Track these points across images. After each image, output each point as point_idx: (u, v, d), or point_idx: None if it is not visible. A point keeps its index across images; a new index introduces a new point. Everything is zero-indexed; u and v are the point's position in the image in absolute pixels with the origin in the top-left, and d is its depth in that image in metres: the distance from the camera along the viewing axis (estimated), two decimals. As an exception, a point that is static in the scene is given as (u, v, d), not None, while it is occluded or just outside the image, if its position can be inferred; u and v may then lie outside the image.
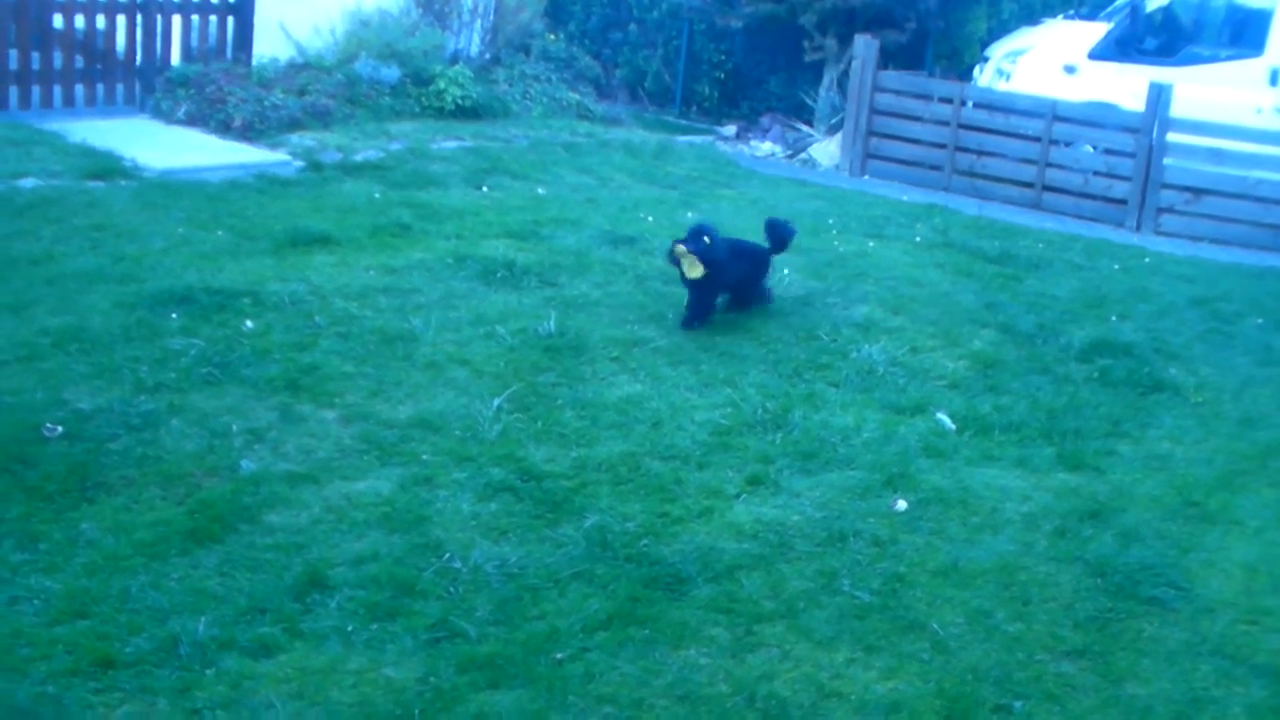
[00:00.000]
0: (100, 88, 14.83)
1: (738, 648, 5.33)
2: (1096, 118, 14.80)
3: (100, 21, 14.67)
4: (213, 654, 5.11)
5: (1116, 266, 12.00)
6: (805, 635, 5.44)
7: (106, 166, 11.92)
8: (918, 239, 12.25)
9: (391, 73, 15.77)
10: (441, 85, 15.91)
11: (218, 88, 14.58)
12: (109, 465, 6.48)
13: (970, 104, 15.45)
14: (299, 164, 12.92)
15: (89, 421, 6.86)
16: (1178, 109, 14.10)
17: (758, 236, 9.60)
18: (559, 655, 5.17)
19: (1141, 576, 6.07)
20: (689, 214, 12.10)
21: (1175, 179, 14.21)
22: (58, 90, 14.61)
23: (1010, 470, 7.09)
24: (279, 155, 13.28)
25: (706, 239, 8.80)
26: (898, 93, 15.83)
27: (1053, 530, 6.46)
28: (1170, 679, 5.35)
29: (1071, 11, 18.49)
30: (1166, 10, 16.66)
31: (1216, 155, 14.06)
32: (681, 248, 8.79)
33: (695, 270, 8.79)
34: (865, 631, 5.50)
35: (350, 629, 5.29)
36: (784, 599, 5.68)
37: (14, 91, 14.23)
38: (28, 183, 11.10)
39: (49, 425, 6.75)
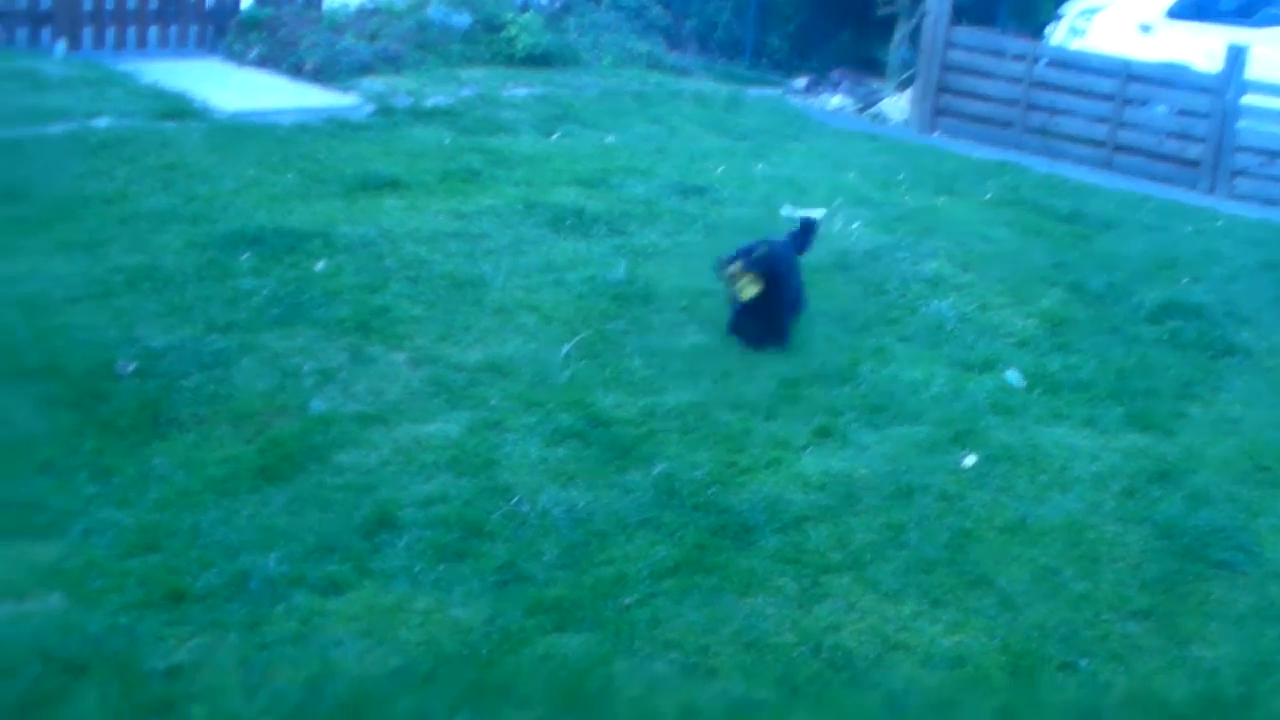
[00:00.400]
0: (173, 29, 14.92)
1: (804, 598, 5.34)
2: (1171, 78, 14.61)
3: (174, -37, 14.76)
4: (282, 590, 5.16)
5: (1189, 228, 11.87)
6: (871, 587, 5.44)
7: (178, 108, 11.97)
8: (988, 196, 12.15)
9: (462, 19, 15.75)
10: (512, 32, 15.88)
11: (289, 31, 14.62)
12: (180, 402, 6.53)
13: (1043, 62, 15.26)
14: (369, 108, 12.94)
15: (161, 359, 6.92)
16: (1255, 70, 13.90)
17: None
18: (626, 600, 5.19)
19: (1210, 539, 6.02)
20: (759, 166, 12.04)
21: (1250, 142, 14.02)
22: (131, 31, 14.71)
23: (1079, 429, 7.05)
24: (349, 99, 13.30)
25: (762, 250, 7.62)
26: (970, 49, 15.67)
27: (1121, 490, 6.41)
28: (1237, 642, 5.31)
29: (1148, -31, 18.24)
30: (1245, -30, 16.42)
31: (1294, 118, 13.88)
32: (735, 267, 7.57)
33: (749, 291, 7.54)
34: (931, 585, 5.49)
35: (418, 569, 5.32)
36: (851, 551, 5.67)
37: (88, 32, 14.34)
38: (101, 122, 11.17)
39: (122, 362, 6.81)
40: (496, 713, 4.56)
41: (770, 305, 7.63)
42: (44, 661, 4.71)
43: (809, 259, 8.23)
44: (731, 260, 7.59)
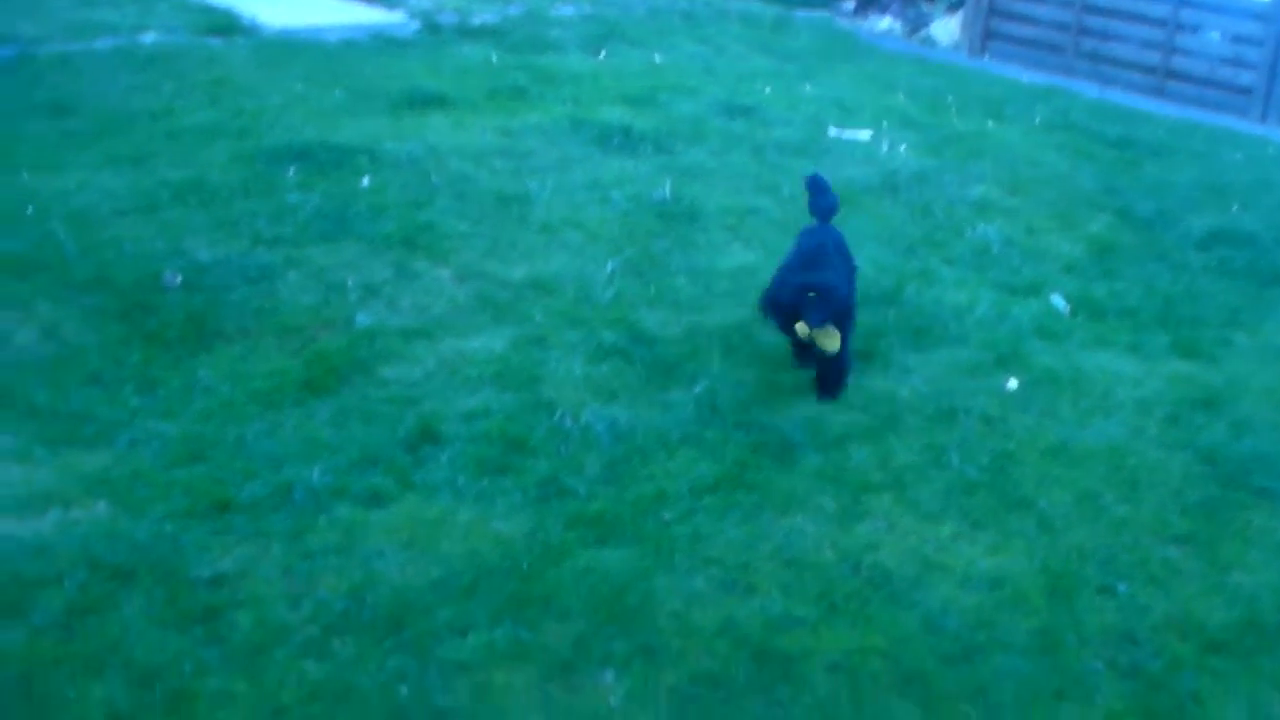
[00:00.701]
0: (220, -56, 14.88)
1: (844, 517, 5.35)
2: (1225, 3, 14.41)
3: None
4: (326, 501, 5.21)
5: (1240, 156, 11.73)
6: (912, 508, 5.45)
7: (225, 23, 11.98)
8: (1037, 120, 12.03)
9: (510, -64, 15.66)
10: (560, -51, 15.78)
11: (336, -54, 14.57)
12: (226, 315, 6.58)
13: (1096, -15, 15.10)
14: (416, 25, 12.91)
15: (207, 272, 6.96)
16: (1312, -4, 13.71)
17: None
18: (666, 516, 5.22)
19: (1253, 466, 5.99)
20: (807, 87, 11.96)
21: (1306, 69, 13.86)
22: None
23: (1123, 355, 7.01)
24: (396, 16, 13.27)
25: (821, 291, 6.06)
26: (1022, -29, 15.51)
27: (1164, 417, 6.38)
28: (1277, 570, 5.29)
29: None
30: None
31: (1350, 45, 13.69)
32: (809, 331, 6.11)
33: (833, 342, 6.17)
34: (972, 507, 5.49)
35: (461, 482, 5.36)
36: (891, 471, 5.68)
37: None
38: (148, 38, 11.19)
39: (169, 275, 6.86)
40: (537, 624, 4.61)
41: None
42: (91, 568, 4.78)
43: (858, 179, 8.18)
44: (789, 307, 6.14)
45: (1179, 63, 14.43)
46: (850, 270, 6.49)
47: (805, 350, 6.33)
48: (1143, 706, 4.47)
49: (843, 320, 6.18)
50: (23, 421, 5.70)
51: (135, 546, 4.89)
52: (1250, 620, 4.93)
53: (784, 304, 6.14)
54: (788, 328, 6.18)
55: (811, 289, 6.01)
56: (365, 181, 8.25)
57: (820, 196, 6.69)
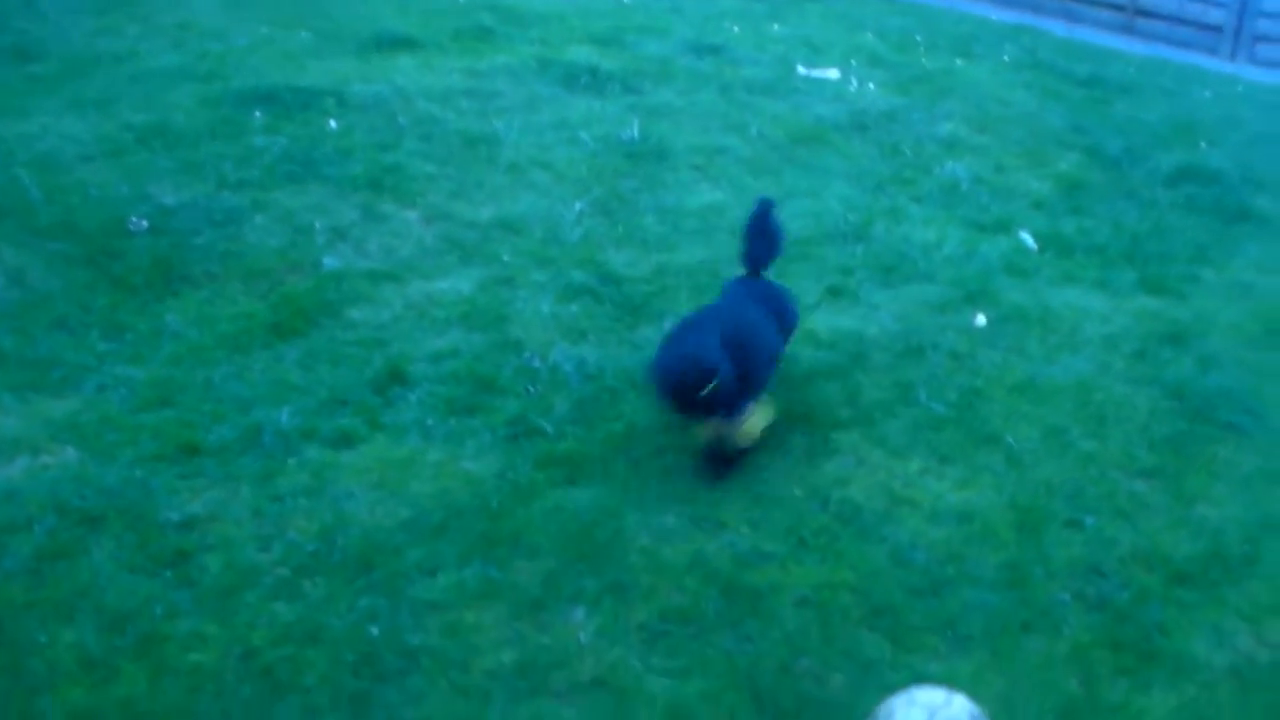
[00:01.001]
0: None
1: (813, 453, 5.37)
2: (1195, -62, 14.43)
3: None
4: (295, 443, 5.21)
5: (1208, 94, 11.76)
6: (880, 444, 5.47)
7: (189, -35, 11.89)
8: (1005, 58, 12.03)
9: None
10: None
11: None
12: (193, 259, 6.55)
13: (1065, -79, 15.08)
14: (381, -34, 12.82)
15: (173, 216, 6.92)
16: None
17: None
18: (636, 454, 5.23)
19: (1219, 401, 6.02)
20: (775, 26, 11.93)
21: (1274, 7, 13.85)
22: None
23: (1091, 291, 7.03)
24: (362, -43, 13.17)
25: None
26: (991, -92, 15.48)
27: (1131, 352, 6.40)
28: (1242, 503, 5.33)
29: None
30: None
31: (1318, -20, 13.71)
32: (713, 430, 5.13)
33: (753, 430, 5.19)
34: (940, 442, 5.51)
35: (430, 423, 5.36)
36: (860, 408, 5.69)
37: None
38: (111, -21, 11.10)
39: (134, 219, 6.82)
40: (507, 563, 4.62)
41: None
42: (60, 513, 4.77)
43: (827, 117, 8.16)
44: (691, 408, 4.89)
45: (1148, 0, 14.43)
46: (774, 333, 5.38)
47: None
48: (1110, 637, 4.51)
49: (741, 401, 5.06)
50: (-8, 368, 5.68)
51: (104, 491, 4.88)
52: (1216, 552, 4.97)
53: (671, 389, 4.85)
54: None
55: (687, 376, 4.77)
56: (332, 124, 8.21)
57: (755, 240, 5.67)
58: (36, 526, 4.69)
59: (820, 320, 6.37)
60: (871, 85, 10.16)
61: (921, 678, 4.14)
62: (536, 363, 5.81)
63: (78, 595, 4.41)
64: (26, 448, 5.13)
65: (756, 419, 5.15)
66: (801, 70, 10.30)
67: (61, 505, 4.79)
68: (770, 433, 5.36)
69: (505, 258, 6.73)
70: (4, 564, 4.53)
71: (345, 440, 5.23)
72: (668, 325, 5.64)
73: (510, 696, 4.13)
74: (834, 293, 6.66)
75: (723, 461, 5.16)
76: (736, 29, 11.73)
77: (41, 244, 6.58)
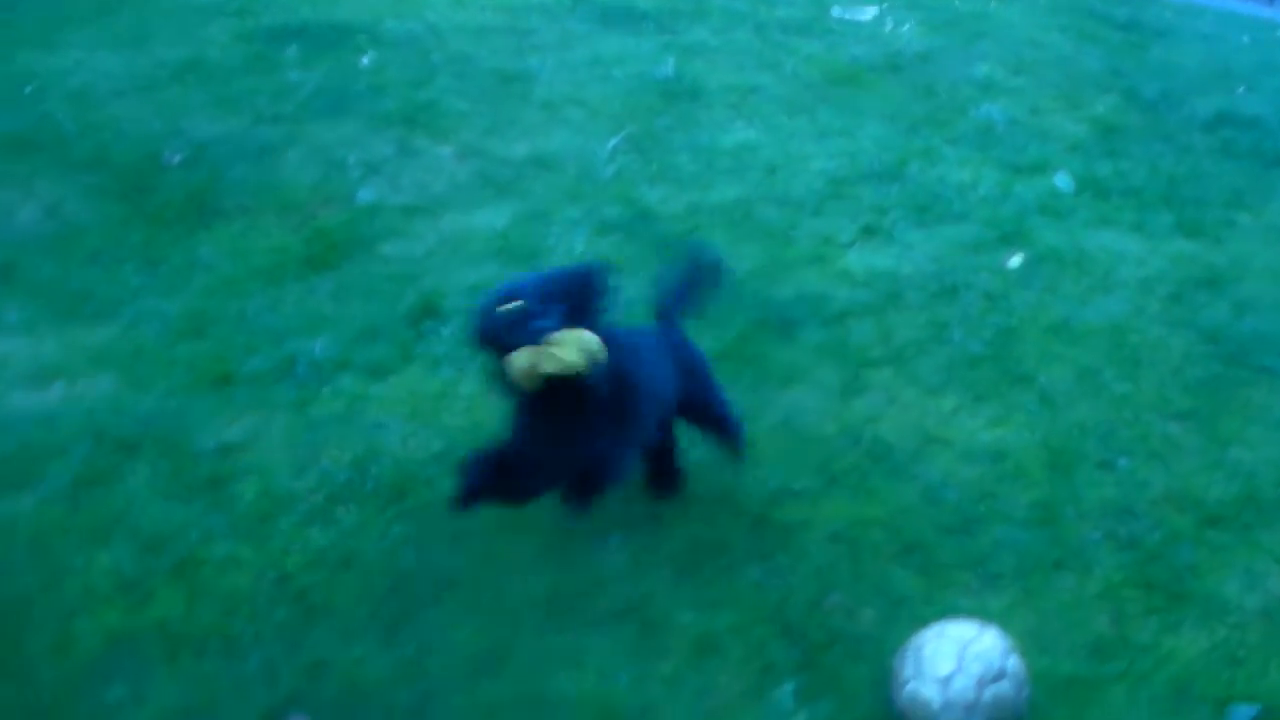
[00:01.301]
0: None
1: (846, 391, 5.36)
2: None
3: None
4: (328, 374, 5.23)
5: (1246, 39, 11.64)
6: (913, 382, 5.46)
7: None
8: (1041, 1, 11.93)
9: None
10: None
11: None
12: (227, 193, 6.57)
13: None
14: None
15: (207, 150, 6.94)
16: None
17: None
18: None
19: (1253, 345, 5.99)
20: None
21: (1315, -50, 13.71)
22: None
23: (1127, 234, 6.99)
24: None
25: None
26: None
27: (1167, 295, 6.37)
28: (1276, 446, 5.30)
29: None
30: None
31: (1360, -75, 13.55)
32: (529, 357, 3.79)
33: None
34: (973, 381, 5.50)
35: (462, 356, 5.36)
36: (893, 346, 5.68)
37: None
38: (145, -87, 11.07)
39: (168, 154, 6.84)
40: (537, 497, 4.64)
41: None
42: (97, 440, 4.80)
43: (861, 58, 8.10)
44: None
45: (1187, -56, 14.28)
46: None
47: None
48: (1140, 577, 4.50)
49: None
50: (27, 297, 5.71)
51: (140, 419, 4.91)
52: (1248, 495, 4.95)
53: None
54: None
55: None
56: (366, 60, 8.20)
57: (677, 288, 4.75)
58: (73, 452, 4.72)
59: (855, 259, 6.35)
60: (907, 26, 10.09)
61: (952, 613, 4.13)
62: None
63: (114, 520, 4.45)
64: (63, 376, 5.17)
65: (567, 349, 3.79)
66: (836, 11, 10.24)
67: (98, 432, 4.83)
68: (801, 371, 5.36)
69: (539, 193, 6.72)
70: (42, 489, 4.57)
71: (379, 372, 5.25)
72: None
73: (541, 624, 4.15)
74: (868, 232, 6.64)
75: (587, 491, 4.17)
76: (772, -31, 11.66)
77: (76, 177, 6.61)
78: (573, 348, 3.78)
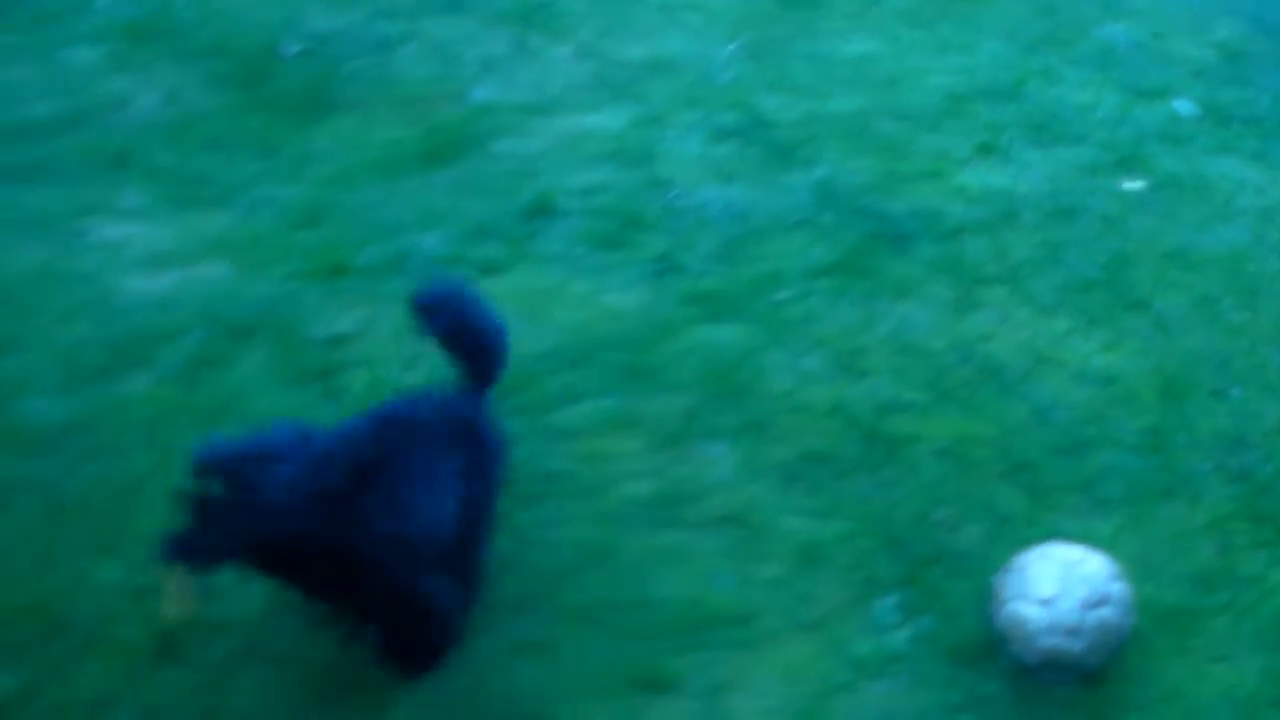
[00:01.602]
0: None
1: (958, 307, 5.32)
2: None
3: None
4: (441, 269, 5.24)
5: (1379, -34, 11.35)
6: (1026, 301, 5.40)
7: None
8: (1169, -78, 11.68)
9: None
10: None
11: None
12: (343, 85, 6.60)
13: None
14: None
15: (325, 42, 6.96)
16: None
17: None
18: (780, 296, 5.21)
19: (1376, 280, 5.89)
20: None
21: None
22: None
23: (1248, 163, 6.85)
24: None
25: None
26: None
27: (1287, 225, 6.27)
28: (1396, 384, 5.23)
29: None
30: None
31: None
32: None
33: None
34: (1087, 304, 5.43)
35: (575, 255, 5.38)
36: (1007, 265, 5.62)
37: None
38: None
39: (286, 44, 6.86)
40: (647, 396, 4.65)
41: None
42: (211, 324, 4.88)
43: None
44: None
45: None
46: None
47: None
48: (1250, 509, 4.46)
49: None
50: (145, 183, 5.79)
51: (254, 305, 4.97)
52: (1368, 434, 4.89)
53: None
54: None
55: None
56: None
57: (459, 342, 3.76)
58: (188, 337, 4.79)
59: (970, 176, 6.27)
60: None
61: (1058, 535, 4.11)
62: (683, 201, 5.78)
63: (226, 404, 4.51)
64: (180, 260, 5.24)
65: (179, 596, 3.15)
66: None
67: (213, 316, 4.89)
68: (914, 285, 5.34)
69: (655, 97, 6.68)
70: (156, 372, 4.65)
71: (490, 268, 5.26)
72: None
73: (645, 525, 4.18)
74: (985, 149, 6.55)
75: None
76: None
77: (196, 65, 6.67)
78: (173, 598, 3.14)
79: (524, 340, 4.83)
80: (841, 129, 6.54)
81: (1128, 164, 6.59)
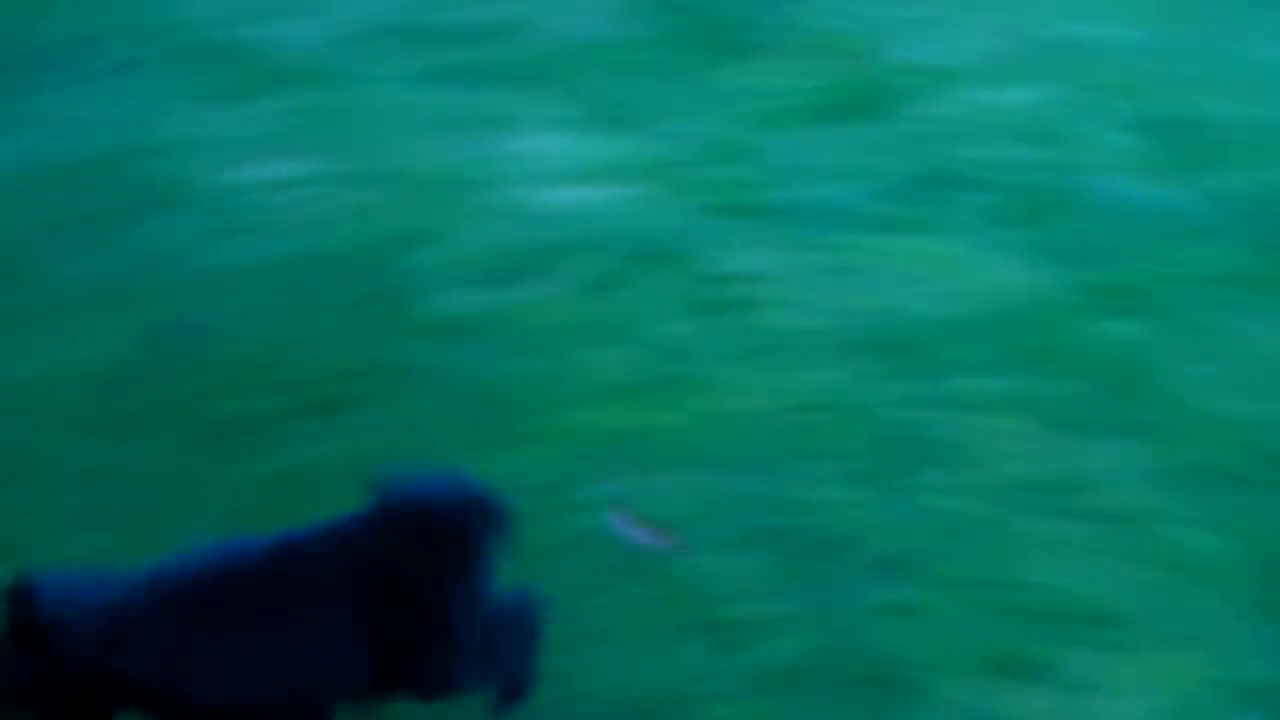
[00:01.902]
0: None
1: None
2: None
3: None
4: (849, 222, 5.29)
5: None
6: None
7: None
8: None
9: None
10: None
11: None
12: (758, 29, 6.66)
13: None
14: None
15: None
16: None
17: None
18: (1192, 301, 5.04)
19: None
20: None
21: None
22: None
23: None
24: None
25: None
26: None
27: None
28: None
29: None
30: None
31: None
32: None
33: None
34: None
35: (977, 227, 5.31)
36: None
37: None
38: None
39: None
40: (1041, 379, 4.55)
41: None
42: (614, 246, 4.99)
43: None
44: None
45: None
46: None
47: None
48: None
49: None
50: (574, 100, 5.99)
51: (660, 232, 5.07)
52: None
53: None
54: None
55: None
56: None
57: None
58: (594, 254, 4.90)
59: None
60: None
61: None
62: (1098, 189, 5.66)
63: (622, 325, 4.60)
64: (591, 179, 5.39)
65: None
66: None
67: (618, 237, 5.00)
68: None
69: (1073, 79, 6.55)
70: (557, 284, 4.78)
71: (896, 227, 5.25)
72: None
73: (1025, 508, 4.09)
74: None
75: None
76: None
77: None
78: None
79: (922, 305, 4.83)
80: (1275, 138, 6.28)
81: None
